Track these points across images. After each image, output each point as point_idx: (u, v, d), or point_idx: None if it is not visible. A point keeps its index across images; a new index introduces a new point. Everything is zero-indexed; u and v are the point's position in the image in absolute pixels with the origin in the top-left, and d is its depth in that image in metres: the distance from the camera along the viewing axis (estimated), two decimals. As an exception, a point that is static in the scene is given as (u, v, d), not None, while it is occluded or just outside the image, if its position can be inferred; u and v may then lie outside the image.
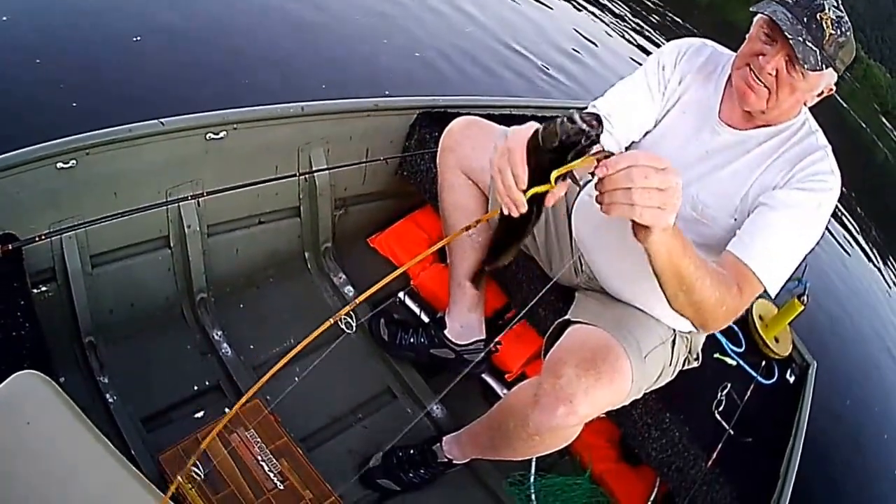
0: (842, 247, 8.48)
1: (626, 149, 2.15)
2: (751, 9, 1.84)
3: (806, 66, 1.73)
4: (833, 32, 1.75)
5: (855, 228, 10.05)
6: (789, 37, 1.72)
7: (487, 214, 2.37)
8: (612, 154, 1.36)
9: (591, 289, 2.39)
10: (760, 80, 1.83)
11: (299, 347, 1.78)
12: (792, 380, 3.05)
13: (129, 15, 5.29)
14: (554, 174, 1.34)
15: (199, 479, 2.05)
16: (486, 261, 1.90)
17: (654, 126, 2.14)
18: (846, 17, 1.79)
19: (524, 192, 1.39)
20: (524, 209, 1.43)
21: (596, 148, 1.33)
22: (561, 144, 1.30)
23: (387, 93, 5.22)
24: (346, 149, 2.95)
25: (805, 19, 1.74)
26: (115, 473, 1.39)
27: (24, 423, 1.37)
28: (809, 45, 1.73)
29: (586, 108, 2.16)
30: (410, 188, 3.14)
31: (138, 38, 4.98)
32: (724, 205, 1.98)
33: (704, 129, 2.03)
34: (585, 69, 8.56)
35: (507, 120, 2.73)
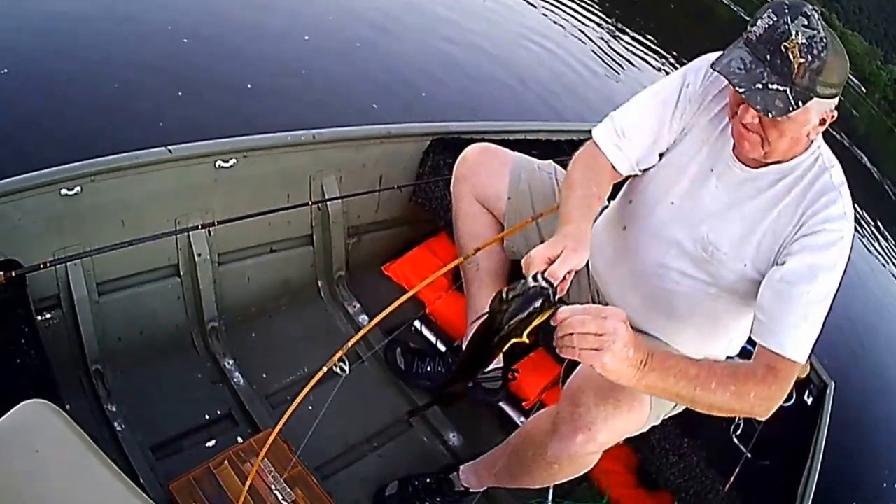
0: (858, 262, 8.37)
1: (645, 170, 2.10)
2: (710, 66, 1.72)
3: (773, 114, 1.62)
4: (803, 61, 1.58)
5: (869, 240, 9.92)
6: (741, 91, 1.62)
7: (493, 238, 2.37)
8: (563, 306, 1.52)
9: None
10: (749, 129, 1.74)
11: (305, 391, 1.80)
12: (810, 401, 2.98)
13: (135, 40, 5.40)
14: (525, 333, 1.54)
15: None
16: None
17: (671, 150, 2.04)
18: (820, 33, 1.59)
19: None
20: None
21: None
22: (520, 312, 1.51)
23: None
24: (359, 176, 2.94)
25: (769, 56, 1.61)
26: (125, 501, 1.36)
27: (32, 452, 1.35)
28: (774, 87, 1.61)
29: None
30: (425, 215, 3.12)
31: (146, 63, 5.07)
32: (736, 250, 1.90)
33: (719, 163, 1.92)
34: (596, 88, 8.63)
35: (522, 145, 2.70)
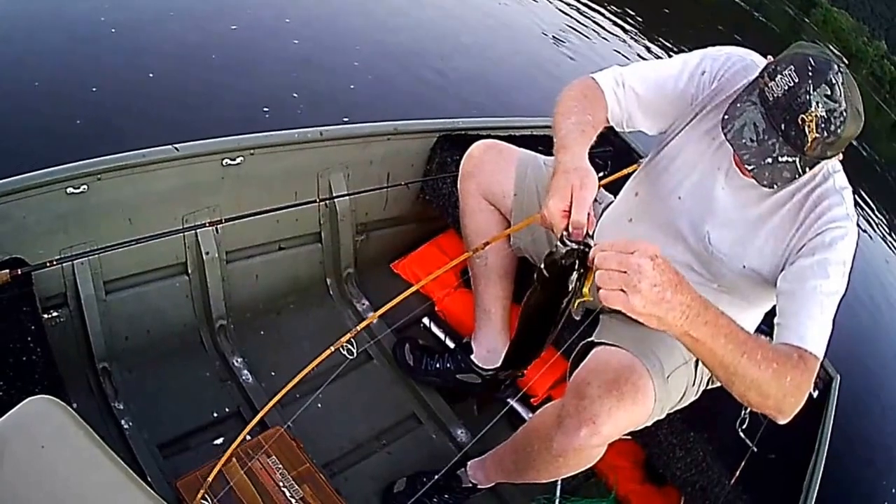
0: (861, 254, 8.27)
1: (650, 162, 2.12)
2: (722, 129, 1.68)
3: (778, 186, 1.63)
4: (818, 136, 1.56)
5: (870, 227, 9.81)
6: (749, 168, 1.62)
7: (499, 235, 2.36)
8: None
9: (615, 310, 2.34)
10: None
11: (305, 371, 1.82)
12: (815, 394, 2.96)
13: (142, 39, 5.42)
14: (586, 289, 1.51)
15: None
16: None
17: (678, 142, 2.04)
18: (841, 105, 1.55)
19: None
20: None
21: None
22: (563, 266, 1.50)
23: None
24: (367, 173, 2.93)
25: (783, 126, 1.59)
26: (132, 497, 1.36)
27: (38, 447, 1.35)
28: (783, 160, 1.60)
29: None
30: (433, 212, 3.12)
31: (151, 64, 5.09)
32: (735, 251, 1.92)
33: (724, 163, 1.91)
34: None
35: (528, 141, 2.69)
